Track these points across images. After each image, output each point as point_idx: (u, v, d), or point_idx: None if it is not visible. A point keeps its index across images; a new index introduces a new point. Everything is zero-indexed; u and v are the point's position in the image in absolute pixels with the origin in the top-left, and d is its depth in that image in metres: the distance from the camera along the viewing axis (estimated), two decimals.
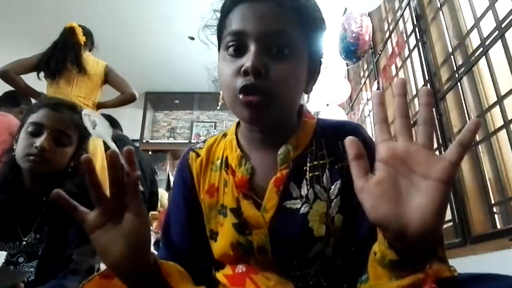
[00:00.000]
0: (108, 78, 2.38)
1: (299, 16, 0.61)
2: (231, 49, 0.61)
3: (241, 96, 0.58)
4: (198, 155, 0.74)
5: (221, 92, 0.64)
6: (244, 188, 0.66)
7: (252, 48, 0.58)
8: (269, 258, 0.63)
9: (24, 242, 1.00)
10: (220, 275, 0.69)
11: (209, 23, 0.68)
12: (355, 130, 0.68)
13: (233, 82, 0.59)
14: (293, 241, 0.63)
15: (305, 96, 0.70)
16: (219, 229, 0.68)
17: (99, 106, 2.38)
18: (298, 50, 0.61)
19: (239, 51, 0.60)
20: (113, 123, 2.82)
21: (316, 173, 0.65)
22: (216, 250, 0.69)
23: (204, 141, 0.77)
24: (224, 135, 0.76)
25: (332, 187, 0.65)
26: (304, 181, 0.65)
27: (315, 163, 0.66)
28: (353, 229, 0.63)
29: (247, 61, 0.57)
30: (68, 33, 2.30)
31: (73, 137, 1.09)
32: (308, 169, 0.66)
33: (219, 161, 0.71)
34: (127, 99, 2.38)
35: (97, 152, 2.09)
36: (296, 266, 0.63)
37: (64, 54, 2.24)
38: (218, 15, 0.66)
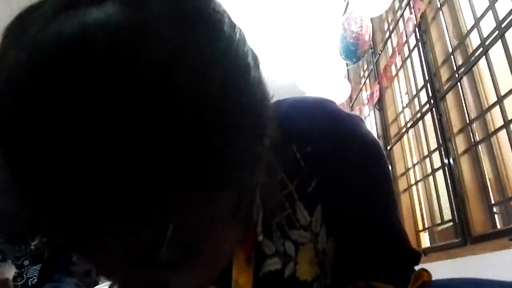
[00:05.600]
0: None
1: None
2: None
3: None
4: None
5: None
6: None
7: None
8: None
9: (32, 246, 0.98)
10: None
11: None
12: (312, 124, 0.43)
13: None
14: None
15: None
16: None
17: None
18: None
19: None
20: None
21: (285, 213, 0.44)
22: None
23: None
24: None
25: (313, 219, 0.45)
26: (274, 229, 0.44)
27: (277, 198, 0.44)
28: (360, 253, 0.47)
29: None
30: None
31: None
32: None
33: None
34: None
35: None
36: None
37: None
38: None
